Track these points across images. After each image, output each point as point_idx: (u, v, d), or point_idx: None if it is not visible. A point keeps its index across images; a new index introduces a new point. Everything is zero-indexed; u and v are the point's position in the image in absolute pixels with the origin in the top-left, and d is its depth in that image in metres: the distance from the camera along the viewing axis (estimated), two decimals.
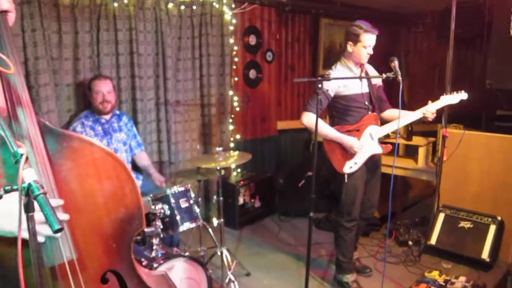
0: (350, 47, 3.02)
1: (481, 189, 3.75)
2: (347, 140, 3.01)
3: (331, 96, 3.06)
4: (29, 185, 0.94)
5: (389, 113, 3.27)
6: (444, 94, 3.16)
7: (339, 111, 3.13)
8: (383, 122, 3.20)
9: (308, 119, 3.02)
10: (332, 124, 3.17)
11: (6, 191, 0.95)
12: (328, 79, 2.73)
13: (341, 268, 3.32)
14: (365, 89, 3.11)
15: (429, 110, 3.06)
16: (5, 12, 1.39)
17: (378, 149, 3.13)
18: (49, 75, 3.31)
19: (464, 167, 3.82)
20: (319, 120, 2.94)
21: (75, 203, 1.42)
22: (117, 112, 3.53)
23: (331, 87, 3.03)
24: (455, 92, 3.13)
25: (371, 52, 3.00)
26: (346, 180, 3.11)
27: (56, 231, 0.90)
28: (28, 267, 1.34)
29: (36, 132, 1.34)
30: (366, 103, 3.10)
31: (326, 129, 3.07)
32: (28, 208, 0.97)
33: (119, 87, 3.75)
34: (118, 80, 3.74)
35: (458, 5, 3.56)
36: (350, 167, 3.08)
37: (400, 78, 2.70)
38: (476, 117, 3.24)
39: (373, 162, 3.19)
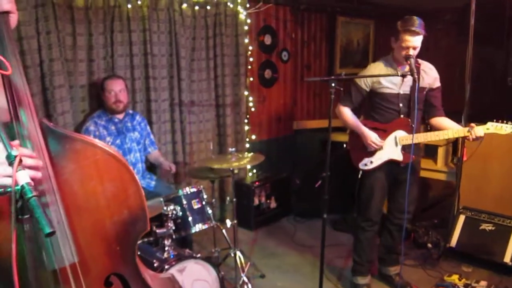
0: (392, 44, 2.87)
1: (503, 190, 3.63)
2: (365, 131, 2.95)
3: (365, 90, 2.98)
4: (22, 187, 0.92)
5: (437, 121, 2.99)
6: (494, 121, 2.78)
7: (372, 107, 3.05)
8: (430, 129, 3.02)
9: (339, 111, 3.09)
10: (364, 118, 3.12)
11: (0, 194, 0.94)
12: (341, 79, 2.65)
13: (355, 269, 3.26)
14: (405, 90, 2.89)
15: (477, 132, 2.73)
16: (6, 13, 1.36)
17: (398, 156, 2.96)
18: (64, 76, 3.34)
19: (485, 167, 3.71)
20: (348, 110, 3.07)
21: (77, 205, 1.40)
22: (130, 111, 3.54)
23: (364, 81, 2.96)
24: (505, 122, 2.77)
25: (411, 53, 2.72)
26: (359, 176, 3.08)
27: (47, 235, 0.88)
28: (32, 272, 1.33)
29: (37, 134, 1.33)
30: (401, 105, 2.91)
31: (350, 118, 3.04)
32: (23, 211, 0.95)
33: (134, 88, 3.76)
34: (133, 81, 3.75)
35: (478, 0, 3.45)
36: (365, 164, 3.02)
37: (416, 76, 2.61)
38: (498, 116, 3.13)
39: (397, 168, 3.00)
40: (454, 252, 3.64)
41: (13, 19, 1.42)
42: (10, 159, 0.95)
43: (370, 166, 3.02)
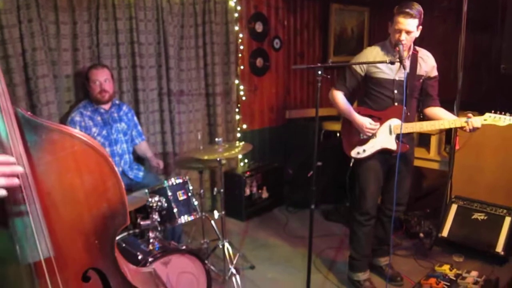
0: (389, 28, 2.78)
1: (496, 179, 3.59)
2: (358, 118, 2.85)
3: (360, 74, 2.88)
4: None
5: (431, 111, 2.92)
6: (492, 111, 2.67)
7: (365, 92, 2.96)
8: (424, 119, 2.92)
9: (332, 95, 2.99)
10: (358, 104, 3.02)
11: None
12: (328, 66, 2.58)
13: (352, 265, 3.16)
14: (400, 76, 2.79)
15: (474, 123, 2.64)
16: None
17: (392, 145, 2.87)
18: (48, 66, 3.26)
19: (478, 156, 3.67)
20: (341, 95, 2.97)
21: (54, 198, 1.36)
22: (117, 102, 3.48)
23: (360, 65, 2.86)
24: (503, 113, 2.67)
25: (404, 38, 2.63)
26: (351, 165, 3.00)
27: None
28: (6, 265, 1.31)
29: (12, 124, 1.27)
30: (395, 91, 2.81)
31: (342, 103, 2.94)
32: None
33: (120, 77, 3.69)
34: (119, 70, 3.68)
35: None
36: (357, 152, 2.93)
37: (405, 63, 2.54)
38: (491, 104, 3.08)
39: (391, 158, 2.90)
40: (446, 241, 3.60)
41: None
42: None
43: (363, 155, 2.93)
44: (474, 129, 2.67)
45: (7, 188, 1.14)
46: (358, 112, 2.91)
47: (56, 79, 3.36)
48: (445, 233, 3.60)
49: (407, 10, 2.61)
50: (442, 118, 2.81)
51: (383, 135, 2.88)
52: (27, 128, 1.32)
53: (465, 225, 3.56)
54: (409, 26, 2.64)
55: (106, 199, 1.44)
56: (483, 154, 3.65)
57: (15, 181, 1.14)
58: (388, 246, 3.21)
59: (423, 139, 4.16)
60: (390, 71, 2.82)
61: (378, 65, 2.82)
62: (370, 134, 2.87)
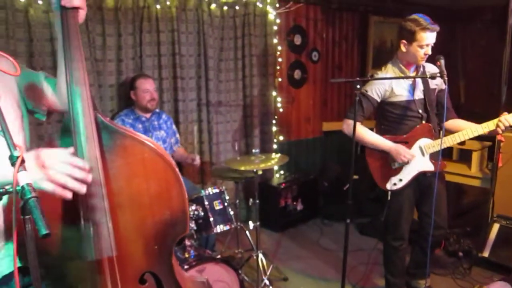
0: (403, 47, 2.66)
1: None
2: (395, 147, 2.68)
3: (376, 100, 2.75)
4: (23, 187, 0.93)
5: (452, 124, 2.80)
6: None
7: (387, 118, 2.81)
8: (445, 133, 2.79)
9: (348, 127, 2.71)
10: (378, 132, 2.85)
11: (1, 193, 0.95)
12: (367, 80, 2.58)
13: (389, 285, 3.07)
14: (419, 95, 2.74)
15: (505, 122, 2.51)
16: (76, 9, 1.39)
17: (428, 166, 2.74)
18: (93, 76, 3.41)
19: None
20: (362, 126, 2.78)
21: (121, 201, 1.43)
22: (157, 110, 3.58)
23: (376, 91, 2.73)
24: None
25: (429, 52, 2.60)
26: (389, 198, 2.80)
27: (43, 236, 0.88)
28: (71, 261, 1.39)
29: (92, 127, 1.35)
30: (420, 111, 2.73)
31: (369, 136, 2.75)
32: (25, 211, 0.95)
33: (161, 87, 3.80)
34: (160, 81, 3.79)
35: None
36: (394, 183, 2.77)
37: (446, 77, 2.49)
38: None
39: (426, 180, 2.81)
40: (487, 262, 3.48)
41: (82, 15, 1.45)
42: (12, 160, 0.96)
43: (400, 185, 2.77)
44: (507, 128, 2.54)
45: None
46: None
47: (100, 89, 3.51)
48: (486, 253, 3.48)
49: (433, 26, 2.57)
50: (466, 128, 2.68)
51: (417, 158, 2.75)
52: (105, 132, 1.40)
53: (508, 245, 3.42)
54: (434, 39, 2.61)
55: (169, 206, 1.49)
56: None
57: (83, 190, 1.18)
58: (425, 268, 3.11)
59: (465, 155, 4.05)
60: (407, 92, 2.73)
61: (395, 89, 2.72)
62: (407, 160, 2.69)
